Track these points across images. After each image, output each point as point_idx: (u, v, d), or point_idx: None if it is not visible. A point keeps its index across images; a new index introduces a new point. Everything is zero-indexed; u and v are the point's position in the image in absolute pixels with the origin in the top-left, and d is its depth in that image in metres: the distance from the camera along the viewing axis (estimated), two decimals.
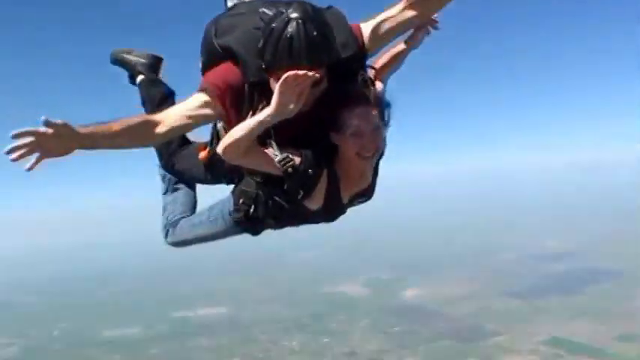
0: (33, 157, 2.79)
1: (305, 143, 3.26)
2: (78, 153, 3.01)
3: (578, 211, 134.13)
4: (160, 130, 3.23)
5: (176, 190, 4.40)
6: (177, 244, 4.24)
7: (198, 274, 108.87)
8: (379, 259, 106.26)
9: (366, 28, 3.39)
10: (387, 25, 3.42)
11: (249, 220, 3.67)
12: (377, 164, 3.59)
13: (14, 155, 2.72)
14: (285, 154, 3.20)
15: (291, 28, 2.86)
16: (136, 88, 4.38)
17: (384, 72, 3.77)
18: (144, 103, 4.21)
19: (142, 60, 4.30)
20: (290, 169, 3.19)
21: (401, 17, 3.42)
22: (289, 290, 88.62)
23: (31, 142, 2.73)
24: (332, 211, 3.61)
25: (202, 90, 3.32)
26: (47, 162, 2.85)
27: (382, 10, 3.51)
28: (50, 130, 2.77)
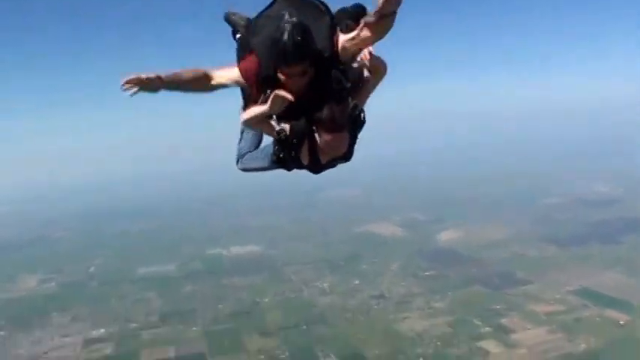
0: (134, 89, 4.59)
1: (300, 113, 4.72)
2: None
3: (634, 157, 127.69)
4: (212, 82, 4.90)
5: (244, 132, 5.98)
6: (243, 170, 5.91)
7: (233, 213, 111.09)
8: (417, 199, 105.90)
9: (341, 42, 4.72)
10: (350, 43, 4.66)
11: (280, 161, 5.23)
12: (355, 134, 4.97)
13: (126, 86, 4.54)
14: (281, 127, 4.86)
15: (284, 35, 4.37)
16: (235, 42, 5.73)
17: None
18: (237, 54, 5.38)
19: (242, 22, 5.56)
20: (283, 137, 4.86)
21: (359, 38, 4.58)
22: (323, 230, 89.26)
23: (135, 81, 4.56)
24: (315, 166, 5.11)
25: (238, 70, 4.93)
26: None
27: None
28: (147, 79, 4.59)
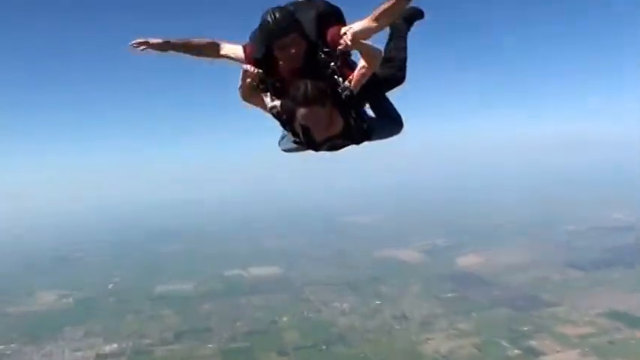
0: (142, 47, 5.41)
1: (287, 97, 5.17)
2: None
3: None
4: (220, 51, 5.53)
5: None
6: (283, 150, 6.23)
7: (254, 237, 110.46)
8: (437, 226, 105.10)
9: (334, 32, 5.06)
10: (357, 31, 4.91)
11: (296, 141, 5.55)
12: (356, 115, 5.35)
13: (135, 45, 5.34)
14: (273, 104, 5.29)
15: (267, 16, 4.94)
16: None
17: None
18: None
19: None
20: (275, 113, 5.29)
21: (364, 29, 4.91)
22: (342, 253, 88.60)
23: (143, 43, 5.35)
24: (311, 143, 5.38)
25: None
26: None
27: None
28: (157, 41, 5.38)
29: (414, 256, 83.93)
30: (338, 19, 5.35)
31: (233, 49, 5.51)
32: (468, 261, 78.45)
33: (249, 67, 5.16)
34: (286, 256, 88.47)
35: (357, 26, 4.92)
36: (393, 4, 4.73)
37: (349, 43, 4.87)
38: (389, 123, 5.88)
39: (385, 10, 4.77)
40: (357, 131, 5.37)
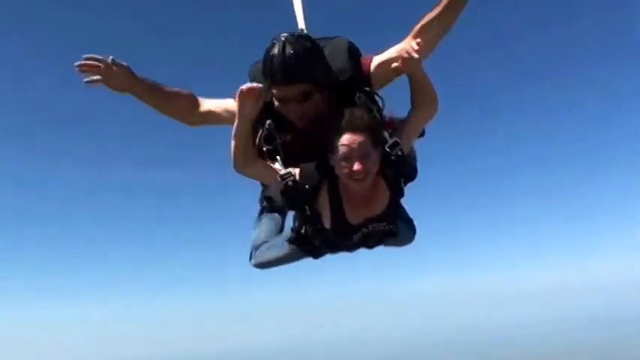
0: (95, 77, 3.42)
1: (311, 161, 3.49)
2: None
3: None
4: (199, 108, 3.76)
5: (263, 217, 4.56)
6: (258, 265, 4.42)
7: None
8: None
9: (375, 61, 3.60)
10: (389, 59, 3.56)
11: (302, 239, 3.83)
12: (400, 193, 3.65)
13: (82, 68, 3.38)
14: (287, 170, 3.46)
15: (274, 49, 3.28)
16: None
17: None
18: None
19: None
20: (290, 183, 3.43)
21: (403, 49, 3.42)
22: None
23: (98, 66, 3.38)
24: (342, 231, 3.64)
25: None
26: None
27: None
28: (115, 67, 3.42)
29: None
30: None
31: (220, 103, 3.79)
32: None
33: (251, 85, 3.30)
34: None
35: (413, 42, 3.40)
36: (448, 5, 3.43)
37: (414, 55, 3.30)
38: (403, 227, 4.02)
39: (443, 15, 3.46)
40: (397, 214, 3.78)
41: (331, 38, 3.74)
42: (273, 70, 3.28)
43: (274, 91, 3.37)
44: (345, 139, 3.22)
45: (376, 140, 3.30)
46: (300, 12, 4.52)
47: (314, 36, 3.79)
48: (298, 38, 3.37)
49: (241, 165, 3.51)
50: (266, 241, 4.33)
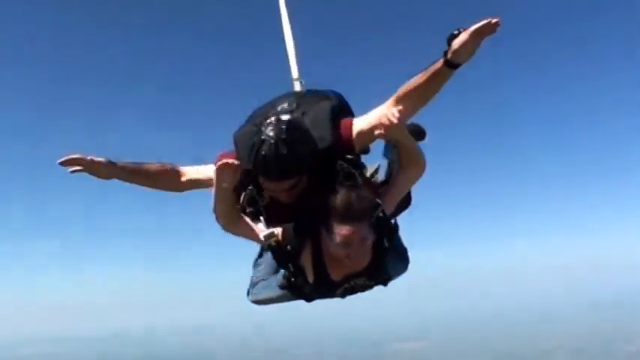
0: (75, 168, 3.77)
1: (293, 219, 3.70)
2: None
3: None
4: (182, 178, 4.06)
5: (263, 253, 4.59)
6: (255, 302, 4.58)
7: None
8: (489, 351, 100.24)
9: (356, 127, 3.71)
10: (368, 123, 3.67)
11: (291, 287, 3.98)
12: (382, 247, 3.73)
13: (64, 164, 3.73)
14: (270, 231, 3.66)
15: (264, 149, 3.37)
16: None
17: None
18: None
19: None
20: (273, 243, 3.66)
21: (380, 113, 3.58)
22: None
23: (79, 161, 3.74)
24: (325, 286, 3.83)
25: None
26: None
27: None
28: (95, 163, 3.78)
29: None
30: (350, 113, 3.99)
31: (202, 170, 4.02)
32: None
33: (230, 161, 3.51)
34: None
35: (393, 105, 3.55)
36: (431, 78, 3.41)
37: (395, 122, 3.40)
38: (397, 260, 4.19)
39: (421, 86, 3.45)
40: (384, 267, 3.91)
41: (318, 97, 3.99)
42: (267, 169, 3.42)
43: (263, 180, 3.52)
44: (346, 229, 3.37)
45: (372, 223, 3.47)
46: (294, 60, 4.90)
47: (307, 87, 4.20)
48: (288, 132, 3.42)
49: (224, 226, 3.79)
50: (263, 279, 4.45)
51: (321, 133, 3.63)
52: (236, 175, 3.54)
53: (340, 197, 3.40)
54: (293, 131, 3.48)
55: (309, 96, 4.16)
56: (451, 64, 3.32)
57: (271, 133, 3.39)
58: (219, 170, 3.48)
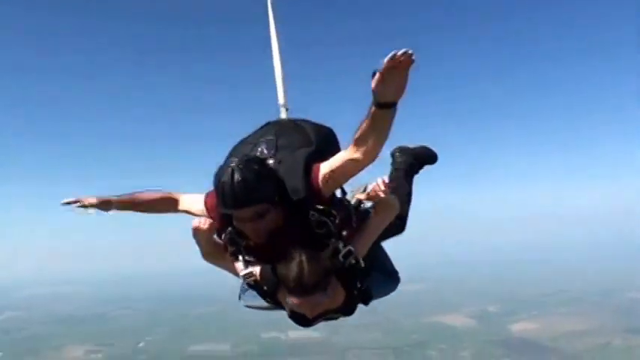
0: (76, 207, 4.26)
1: (272, 258, 3.73)
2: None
3: None
4: (178, 207, 4.37)
5: None
6: (247, 307, 4.77)
7: None
8: (489, 294, 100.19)
9: (323, 170, 3.70)
10: (337, 171, 3.64)
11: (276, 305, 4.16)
12: (352, 282, 3.84)
13: (68, 205, 4.23)
14: (249, 270, 3.89)
15: (224, 177, 3.53)
16: None
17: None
18: None
19: None
20: (252, 282, 3.90)
21: (348, 163, 3.57)
22: (388, 318, 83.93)
23: (76, 203, 4.25)
24: (300, 321, 3.96)
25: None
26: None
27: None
28: (94, 201, 4.26)
29: (464, 322, 79.69)
30: (335, 146, 4.17)
31: (193, 202, 4.26)
32: (522, 327, 74.11)
33: (201, 222, 3.89)
34: (329, 322, 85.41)
35: (338, 161, 3.64)
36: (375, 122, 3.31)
37: (384, 196, 3.85)
38: (383, 280, 4.56)
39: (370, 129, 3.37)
40: (358, 301, 4.11)
41: (299, 140, 4.08)
42: (225, 197, 3.56)
43: (224, 211, 3.67)
44: (295, 299, 3.57)
45: (325, 287, 3.56)
46: (281, 86, 5.29)
47: (292, 115, 4.82)
48: (247, 163, 3.59)
49: (207, 260, 4.14)
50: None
51: (294, 183, 3.69)
52: (211, 230, 3.91)
53: (292, 269, 3.50)
54: (253, 163, 3.64)
55: (291, 135, 4.20)
56: (381, 105, 3.16)
57: (232, 164, 3.56)
58: (193, 232, 3.92)
